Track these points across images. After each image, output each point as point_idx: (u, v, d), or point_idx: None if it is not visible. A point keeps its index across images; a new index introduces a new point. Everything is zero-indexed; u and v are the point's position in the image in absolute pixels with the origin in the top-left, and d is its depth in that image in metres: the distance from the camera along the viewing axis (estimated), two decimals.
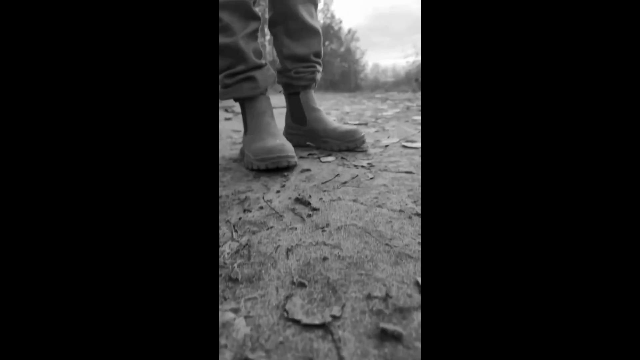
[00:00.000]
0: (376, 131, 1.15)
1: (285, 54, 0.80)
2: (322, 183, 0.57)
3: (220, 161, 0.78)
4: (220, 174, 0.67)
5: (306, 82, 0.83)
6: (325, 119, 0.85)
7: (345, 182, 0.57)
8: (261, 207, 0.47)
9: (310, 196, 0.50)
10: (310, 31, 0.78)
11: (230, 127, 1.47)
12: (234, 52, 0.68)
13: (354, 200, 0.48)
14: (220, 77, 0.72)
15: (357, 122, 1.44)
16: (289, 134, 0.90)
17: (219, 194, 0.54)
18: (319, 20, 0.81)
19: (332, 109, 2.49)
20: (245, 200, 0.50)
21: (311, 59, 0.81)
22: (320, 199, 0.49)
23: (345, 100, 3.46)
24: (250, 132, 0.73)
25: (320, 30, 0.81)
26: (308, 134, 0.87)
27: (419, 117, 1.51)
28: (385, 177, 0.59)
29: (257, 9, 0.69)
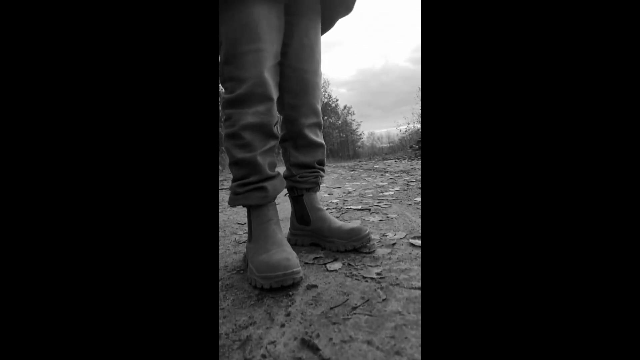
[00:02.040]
0: (380, 220, 1.14)
1: (292, 162, 0.85)
2: (331, 309, 0.53)
3: (221, 273, 0.75)
4: (220, 294, 0.62)
5: (310, 185, 0.86)
6: (329, 218, 0.85)
7: (355, 308, 0.52)
8: (264, 356, 0.42)
9: (318, 335, 0.45)
10: (314, 146, 0.85)
11: (235, 216, 1.47)
12: (250, 165, 0.71)
13: (368, 342, 0.43)
14: (232, 185, 0.74)
15: (359, 208, 1.45)
16: (293, 235, 0.89)
17: (218, 332, 0.49)
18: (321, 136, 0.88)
19: (334, 187, 2.56)
20: (246, 343, 0.45)
21: (315, 166, 0.86)
22: (330, 339, 0.44)
23: (345, 175, 3.58)
24: (254, 239, 0.72)
25: (324, 144, 0.88)
26: (312, 233, 0.86)
27: (420, 199, 1.52)
28: (398, 297, 0.54)
29: (276, 130, 0.74)
